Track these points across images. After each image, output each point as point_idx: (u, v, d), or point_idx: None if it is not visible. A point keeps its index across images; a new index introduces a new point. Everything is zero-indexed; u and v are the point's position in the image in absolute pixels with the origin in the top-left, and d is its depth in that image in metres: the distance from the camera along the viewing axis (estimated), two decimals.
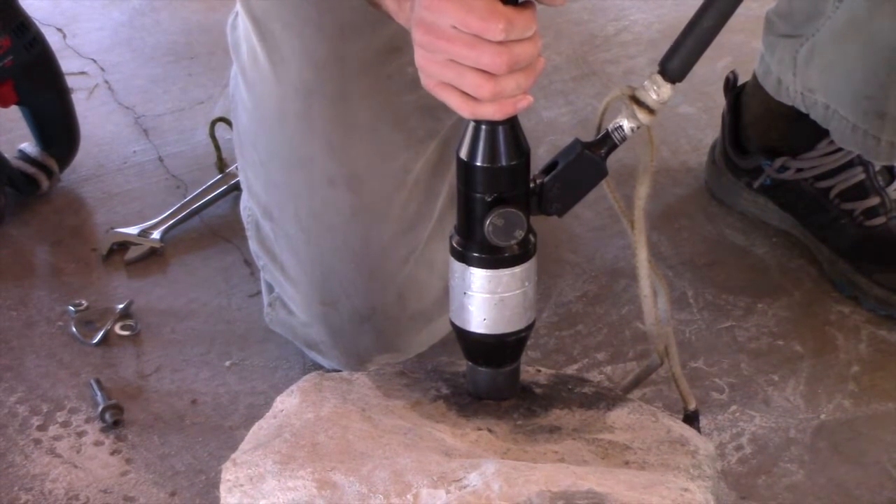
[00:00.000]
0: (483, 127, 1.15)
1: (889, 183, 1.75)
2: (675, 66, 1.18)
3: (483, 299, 1.19)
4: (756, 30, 1.79)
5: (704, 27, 1.17)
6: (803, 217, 1.78)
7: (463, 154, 1.17)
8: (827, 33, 1.64)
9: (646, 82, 1.19)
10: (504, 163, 1.16)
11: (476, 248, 1.19)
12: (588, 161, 1.19)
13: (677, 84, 1.19)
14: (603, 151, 1.19)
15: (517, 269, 1.19)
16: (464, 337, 1.23)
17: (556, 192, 1.19)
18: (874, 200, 1.73)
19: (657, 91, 1.18)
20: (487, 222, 1.16)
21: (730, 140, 1.85)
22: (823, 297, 1.73)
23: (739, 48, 2.07)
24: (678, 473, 1.14)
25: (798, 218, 1.79)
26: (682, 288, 1.74)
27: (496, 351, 1.23)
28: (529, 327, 1.23)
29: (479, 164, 1.16)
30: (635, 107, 1.19)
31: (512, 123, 1.16)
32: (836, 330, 1.68)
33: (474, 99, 1.13)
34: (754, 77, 1.80)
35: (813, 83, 1.68)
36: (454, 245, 1.20)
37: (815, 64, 1.66)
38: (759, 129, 1.82)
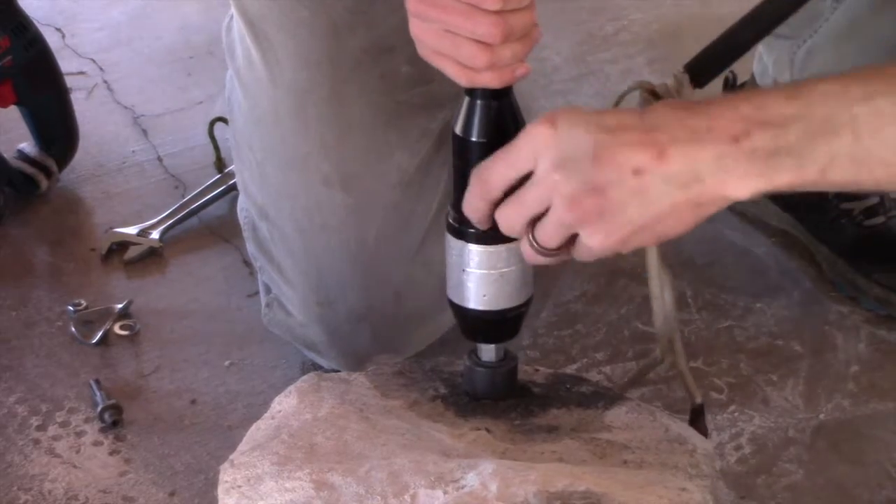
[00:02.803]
0: (479, 102, 1.15)
1: None
2: (702, 71, 1.17)
3: (482, 275, 1.18)
4: None
5: (741, 41, 1.16)
6: (802, 217, 1.78)
7: (458, 130, 1.16)
8: (825, 34, 1.64)
9: (669, 81, 1.18)
10: (501, 138, 1.15)
11: (474, 224, 1.18)
12: None
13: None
14: None
15: (514, 244, 1.18)
16: (463, 314, 1.22)
17: None
18: (873, 200, 1.73)
19: (679, 91, 1.17)
20: None
21: None
22: (822, 297, 1.73)
23: None
24: (676, 472, 1.14)
25: (797, 217, 1.79)
26: (681, 287, 1.73)
27: (496, 327, 1.23)
28: (528, 302, 1.22)
29: (475, 139, 1.15)
30: (654, 102, 1.18)
31: (508, 98, 1.15)
32: (836, 330, 1.68)
33: (471, 68, 1.12)
34: (753, 76, 1.80)
35: None
36: (451, 222, 1.19)
37: (813, 65, 1.66)
38: None
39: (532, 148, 1.06)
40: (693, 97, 1.17)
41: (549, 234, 1.08)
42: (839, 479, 1.49)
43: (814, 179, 1.00)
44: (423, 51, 1.14)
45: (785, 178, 1.00)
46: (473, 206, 1.13)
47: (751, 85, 1.80)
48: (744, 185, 1.01)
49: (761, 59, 1.76)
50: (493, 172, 1.10)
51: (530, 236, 1.09)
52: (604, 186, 1.02)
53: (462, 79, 1.13)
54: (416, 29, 1.13)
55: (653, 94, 1.18)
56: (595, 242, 1.06)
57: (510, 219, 1.10)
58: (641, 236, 1.05)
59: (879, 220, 1.72)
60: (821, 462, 1.51)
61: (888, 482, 1.48)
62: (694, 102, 1.01)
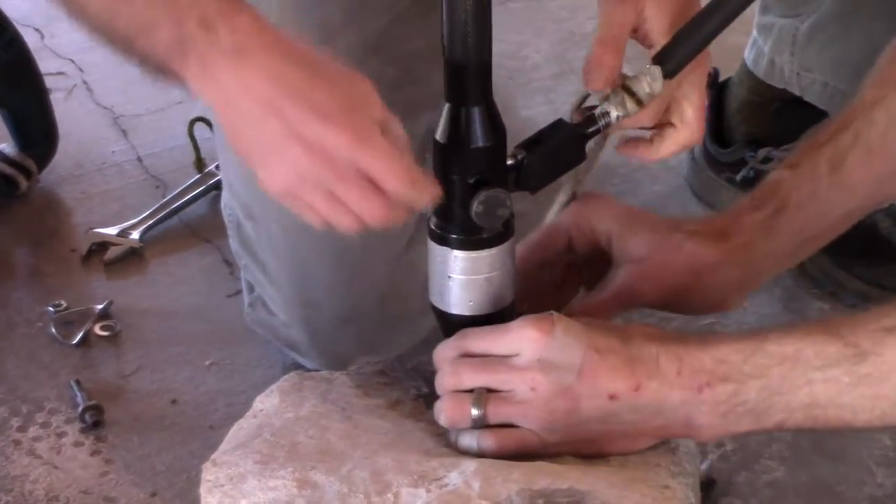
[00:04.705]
0: (461, 109, 1.14)
1: None
2: (672, 62, 1.17)
3: (468, 281, 1.18)
4: (737, 26, 1.78)
5: (708, 29, 1.16)
6: None
7: (440, 136, 1.16)
8: (828, 10, 1.64)
9: (640, 74, 1.18)
10: (483, 143, 1.14)
11: (458, 230, 1.17)
12: (572, 142, 1.18)
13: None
14: (586, 134, 1.19)
15: (498, 249, 1.17)
16: (448, 320, 1.20)
17: (535, 168, 1.17)
18: None
19: (650, 84, 1.17)
20: (475, 205, 1.14)
21: (710, 135, 1.85)
22: (803, 294, 1.73)
23: (720, 44, 2.07)
24: (659, 471, 1.14)
25: None
26: None
27: None
28: (512, 304, 1.22)
29: (458, 146, 1.15)
30: (626, 96, 1.18)
31: (488, 104, 1.15)
32: None
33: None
34: (742, 66, 1.80)
35: (811, 62, 1.68)
36: (433, 228, 1.18)
37: (816, 41, 1.66)
38: (744, 118, 1.82)
39: (521, 340, 1.10)
40: (664, 89, 1.17)
41: (503, 412, 1.11)
42: (821, 475, 1.49)
43: (772, 428, 1.08)
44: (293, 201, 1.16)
45: (744, 427, 1.07)
46: (442, 355, 1.15)
47: (740, 73, 1.80)
48: (705, 431, 1.08)
49: (755, 44, 1.76)
50: (478, 340, 1.14)
51: (475, 404, 1.11)
52: (579, 397, 1.08)
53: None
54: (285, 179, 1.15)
55: (625, 89, 1.18)
56: (548, 439, 1.11)
57: (469, 378, 1.12)
58: (590, 447, 1.12)
59: None
60: (802, 459, 1.51)
61: (869, 478, 1.49)
62: (670, 337, 1.09)
